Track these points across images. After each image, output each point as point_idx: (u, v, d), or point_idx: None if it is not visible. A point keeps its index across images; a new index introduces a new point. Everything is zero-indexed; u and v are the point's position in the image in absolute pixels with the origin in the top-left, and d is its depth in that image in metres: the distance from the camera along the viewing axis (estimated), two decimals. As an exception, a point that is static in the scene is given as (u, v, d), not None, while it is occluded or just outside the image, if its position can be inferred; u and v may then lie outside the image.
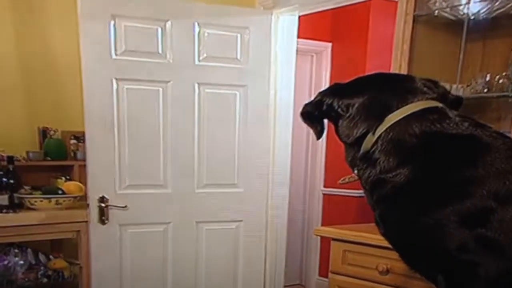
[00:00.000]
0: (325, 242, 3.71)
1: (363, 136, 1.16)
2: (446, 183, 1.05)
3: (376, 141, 1.13)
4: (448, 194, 1.04)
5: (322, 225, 4.03)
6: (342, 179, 2.83)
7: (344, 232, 2.07)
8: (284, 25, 3.04)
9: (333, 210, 4.07)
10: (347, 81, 1.31)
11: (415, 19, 2.17)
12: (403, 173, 1.08)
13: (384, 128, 1.13)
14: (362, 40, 3.72)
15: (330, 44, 4.04)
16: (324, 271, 4.17)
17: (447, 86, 2.16)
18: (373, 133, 1.14)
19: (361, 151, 1.17)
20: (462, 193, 1.03)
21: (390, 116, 1.14)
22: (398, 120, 1.12)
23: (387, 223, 1.16)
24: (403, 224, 1.11)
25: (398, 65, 2.17)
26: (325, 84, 4.05)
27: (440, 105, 1.16)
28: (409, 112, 1.13)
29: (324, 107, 1.25)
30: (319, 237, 3.40)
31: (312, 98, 1.31)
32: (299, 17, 3.09)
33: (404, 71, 2.15)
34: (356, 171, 1.22)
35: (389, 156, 1.11)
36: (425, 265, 1.12)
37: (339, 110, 1.21)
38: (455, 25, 2.16)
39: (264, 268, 3.17)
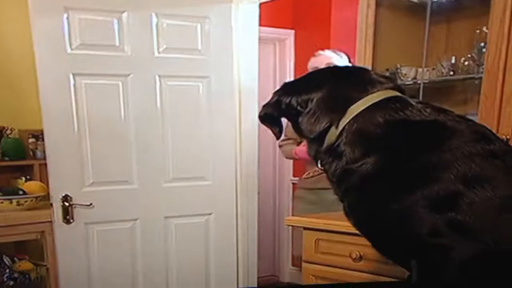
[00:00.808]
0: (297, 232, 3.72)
1: (326, 130, 1.16)
2: (412, 169, 1.05)
3: (340, 134, 1.13)
4: (415, 180, 1.04)
5: (293, 214, 4.03)
6: (306, 173, 2.91)
7: (316, 221, 2.06)
8: (245, 13, 3.00)
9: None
10: (298, 77, 1.31)
11: (378, 3, 2.16)
12: (370, 162, 1.08)
13: (347, 120, 1.12)
14: (325, 26, 3.70)
15: (292, 32, 4.01)
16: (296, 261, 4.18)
17: (413, 70, 2.18)
18: (337, 126, 1.14)
19: (325, 145, 1.16)
20: (429, 178, 1.02)
21: (352, 107, 1.13)
22: (361, 111, 1.12)
23: (356, 213, 1.16)
24: (373, 213, 1.11)
25: (363, 51, 2.17)
26: (289, 72, 4.04)
27: (400, 94, 1.17)
28: (371, 103, 1.12)
29: (283, 106, 1.24)
30: (290, 227, 3.40)
31: (268, 100, 1.30)
32: (260, 4, 3.06)
33: (369, 56, 2.15)
34: (320, 165, 1.22)
35: (354, 147, 1.11)
36: (397, 252, 1.13)
37: (298, 107, 1.21)
38: (418, 8, 2.16)
39: (236, 261, 3.16)
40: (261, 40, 3.17)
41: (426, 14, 2.07)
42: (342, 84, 1.18)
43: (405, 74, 2.19)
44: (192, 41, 2.81)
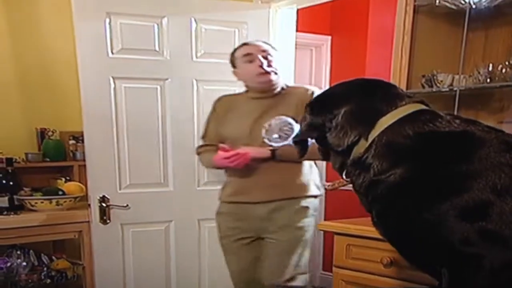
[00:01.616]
0: (329, 236, 3.70)
1: (355, 143, 1.17)
2: (442, 178, 1.06)
3: (370, 146, 1.14)
4: (445, 189, 1.05)
5: (325, 219, 4.02)
6: (329, 184, 2.75)
7: (347, 226, 2.06)
8: (283, 18, 3.02)
9: (336, 204, 4.05)
10: (323, 91, 1.35)
11: (416, 10, 2.14)
12: (398, 172, 1.10)
13: (377, 133, 1.14)
14: (362, 33, 3.68)
15: (329, 38, 4.01)
16: (328, 265, 4.15)
17: (450, 77, 2.16)
18: (366, 139, 1.15)
19: (352, 157, 1.18)
20: (459, 188, 1.04)
21: (382, 120, 1.15)
22: (391, 124, 1.14)
23: (385, 223, 1.17)
24: (402, 222, 1.11)
25: (399, 57, 2.15)
26: (325, 78, 4.03)
27: (428, 107, 1.19)
28: (401, 115, 1.14)
29: (315, 127, 1.27)
30: (322, 232, 3.38)
31: (299, 126, 1.35)
32: (298, 10, 3.07)
33: (405, 63, 2.13)
34: (345, 176, 1.23)
35: (383, 159, 1.12)
36: (427, 261, 1.13)
37: (327, 123, 1.23)
38: (456, 15, 2.13)
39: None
40: (297, 45, 3.18)
41: (464, 21, 2.04)
42: (370, 97, 1.20)
43: (441, 81, 2.16)
44: (229, 46, 2.82)
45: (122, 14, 2.64)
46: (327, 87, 3.92)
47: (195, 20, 2.77)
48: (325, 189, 2.81)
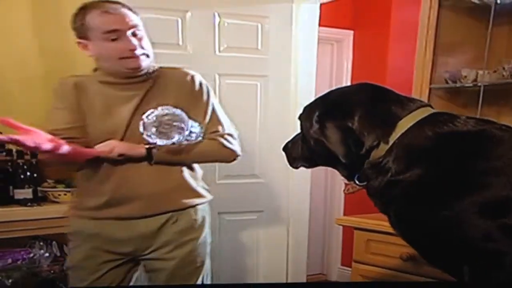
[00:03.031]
0: (347, 231, 3.70)
1: (374, 147, 1.17)
2: (462, 176, 1.07)
3: (390, 149, 1.15)
4: (465, 187, 1.06)
5: (344, 214, 4.02)
6: (347, 189, 2.67)
7: (367, 221, 2.06)
8: (306, 13, 3.01)
9: (355, 199, 4.04)
10: (331, 97, 1.29)
11: (440, 4, 2.13)
12: (417, 172, 1.11)
13: (398, 136, 1.15)
14: (384, 27, 3.66)
15: (351, 32, 3.98)
16: (346, 260, 4.16)
17: (474, 72, 2.14)
18: (386, 142, 1.16)
19: (370, 161, 1.18)
20: (479, 185, 1.04)
21: (401, 122, 1.16)
22: (410, 126, 1.15)
23: (404, 222, 1.17)
24: (422, 221, 1.12)
25: (422, 52, 2.14)
26: (346, 73, 4.01)
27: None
28: (420, 117, 1.16)
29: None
30: (341, 226, 3.39)
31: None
32: (321, 5, 3.07)
33: (429, 58, 2.13)
34: (358, 181, 1.23)
35: (401, 160, 1.13)
36: (447, 259, 1.13)
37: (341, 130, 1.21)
38: (481, 10, 2.11)
39: (286, 258, 3.19)
40: (319, 40, 3.17)
41: (489, 16, 2.02)
42: (383, 101, 1.21)
43: (465, 76, 2.15)
44: (252, 40, 2.87)
45: (146, 8, 2.65)
46: (348, 83, 3.93)
47: (218, 14, 2.79)
48: (344, 193, 2.79)
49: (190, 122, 1.72)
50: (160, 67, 1.90)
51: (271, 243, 3.10)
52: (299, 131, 1.38)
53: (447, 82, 2.20)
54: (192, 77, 1.91)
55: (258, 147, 2.96)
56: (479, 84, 2.10)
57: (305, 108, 1.33)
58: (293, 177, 3.10)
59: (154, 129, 1.63)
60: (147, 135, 1.63)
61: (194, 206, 1.92)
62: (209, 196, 2.01)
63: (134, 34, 1.76)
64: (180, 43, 2.75)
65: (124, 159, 1.78)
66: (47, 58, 2.92)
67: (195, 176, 1.95)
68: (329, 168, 1.35)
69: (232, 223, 3.00)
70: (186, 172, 1.89)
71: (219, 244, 2.98)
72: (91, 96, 1.81)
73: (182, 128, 1.67)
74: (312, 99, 1.35)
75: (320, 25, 3.12)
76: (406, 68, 2.87)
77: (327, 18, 3.41)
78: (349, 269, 3.92)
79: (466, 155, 1.09)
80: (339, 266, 4.36)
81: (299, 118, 1.34)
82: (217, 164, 2.88)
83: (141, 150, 1.78)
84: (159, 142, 1.66)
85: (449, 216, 1.06)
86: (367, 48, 3.86)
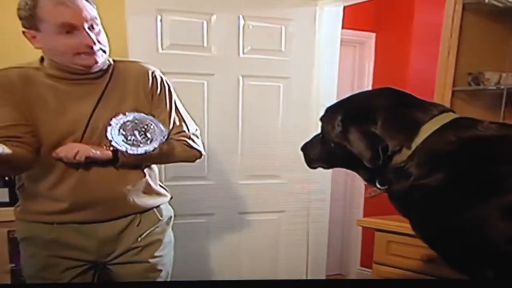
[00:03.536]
0: (367, 232, 3.69)
1: (396, 152, 1.18)
2: (485, 179, 1.08)
3: (413, 154, 1.16)
4: (488, 190, 1.06)
5: (364, 215, 4.01)
6: (367, 192, 2.63)
7: (388, 223, 2.06)
8: (329, 16, 3.02)
9: (375, 200, 4.01)
10: (352, 103, 1.29)
11: (464, 7, 2.12)
12: (440, 177, 1.11)
13: (421, 140, 1.15)
14: (406, 30, 3.63)
15: (373, 34, 3.97)
16: (365, 261, 4.14)
17: (497, 75, 2.13)
18: (409, 147, 1.16)
19: (392, 166, 1.19)
20: (503, 188, 1.04)
21: (425, 127, 1.16)
22: (434, 131, 1.15)
23: (426, 225, 1.18)
24: (445, 224, 1.12)
25: (445, 55, 2.13)
26: (368, 75, 4.00)
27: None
28: (443, 122, 1.16)
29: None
30: (360, 227, 3.39)
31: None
32: (344, 7, 3.07)
33: (452, 60, 2.11)
34: (379, 185, 1.24)
35: (424, 165, 1.14)
36: (470, 262, 1.13)
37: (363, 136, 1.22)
38: (504, 13, 2.10)
39: (306, 258, 3.19)
40: (341, 42, 3.16)
41: (513, 19, 2.01)
42: (405, 106, 1.21)
43: (488, 79, 2.14)
44: (275, 43, 2.88)
45: (172, 11, 2.70)
46: (370, 85, 3.92)
47: (243, 17, 2.81)
48: (366, 197, 2.77)
49: (160, 129, 1.63)
50: (115, 61, 1.74)
51: (291, 243, 3.11)
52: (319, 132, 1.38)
53: (469, 85, 2.19)
54: (152, 73, 1.76)
55: (280, 148, 2.98)
56: (502, 86, 2.09)
57: (327, 110, 1.34)
58: (314, 178, 3.10)
59: (122, 137, 1.55)
60: (115, 143, 1.55)
61: (158, 206, 1.83)
62: (168, 195, 1.90)
63: (91, 28, 1.58)
64: (205, 45, 2.78)
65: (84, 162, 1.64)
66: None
67: (154, 176, 1.85)
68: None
69: (252, 223, 3.02)
70: (146, 172, 1.79)
71: (239, 244, 3.01)
72: (40, 91, 1.62)
73: (153, 138, 1.60)
74: (334, 101, 1.36)
75: (342, 27, 3.13)
76: (428, 71, 2.86)
77: (350, 21, 3.41)
78: (368, 270, 3.93)
79: (489, 160, 1.09)
80: (358, 267, 4.35)
81: (321, 119, 1.35)
82: (239, 164, 2.92)
83: (108, 153, 1.65)
84: (130, 150, 1.56)
85: (472, 220, 1.06)
86: (389, 50, 3.84)
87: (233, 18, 2.80)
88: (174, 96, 1.83)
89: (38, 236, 1.71)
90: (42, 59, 1.66)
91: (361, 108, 1.25)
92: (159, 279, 1.82)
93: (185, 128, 1.83)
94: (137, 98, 1.70)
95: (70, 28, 1.55)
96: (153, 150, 1.62)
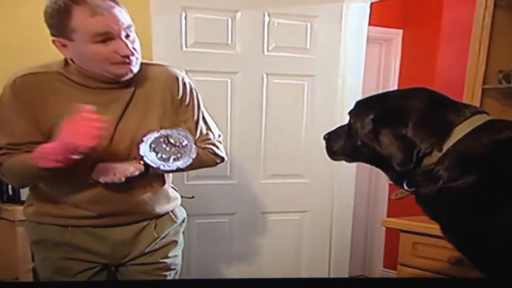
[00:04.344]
0: (390, 233, 3.65)
1: (427, 154, 1.16)
2: None
3: (443, 157, 1.14)
4: None
5: (388, 215, 3.96)
6: (394, 194, 2.59)
7: (414, 224, 2.03)
8: (356, 13, 2.99)
9: (399, 200, 3.96)
10: (386, 103, 1.26)
11: (495, 4, 2.08)
12: (471, 179, 1.10)
13: (452, 143, 1.14)
14: (435, 26, 3.57)
15: (400, 31, 3.92)
16: (388, 262, 4.10)
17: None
18: (440, 149, 1.14)
19: (422, 168, 1.17)
20: None
21: (457, 128, 1.15)
22: (466, 133, 1.13)
23: (457, 228, 1.16)
24: (477, 226, 1.11)
25: (476, 52, 2.10)
26: (394, 73, 3.95)
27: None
28: (476, 124, 1.14)
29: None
30: (384, 228, 3.35)
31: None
32: (371, 4, 3.04)
33: (483, 57, 2.08)
34: (407, 187, 1.22)
35: (455, 168, 1.12)
36: (501, 264, 1.12)
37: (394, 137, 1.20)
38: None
39: (328, 259, 3.18)
40: (367, 39, 3.14)
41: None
42: (438, 107, 1.19)
43: (520, 77, 2.09)
44: (300, 40, 2.86)
45: (197, 9, 2.71)
46: (396, 83, 3.86)
47: (268, 14, 2.81)
48: (392, 199, 2.73)
49: (191, 145, 1.59)
50: (142, 64, 1.63)
51: (314, 243, 3.10)
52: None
53: (500, 83, 2.15)
54: (177, 78, 1.70)
55: (303, 147, 2.96)
56: (534, 85, 2.04)
57: (357, 104, 1.31)
58: (338, 178, 3.09)
59: (154, 153, 1.52)
60: (149, 160, 1.52)
61: (173, 210, 1.81)
62: (179, 197, 1.87)
63: (127, 36, 1.52)
64: (229, 42, 2.78)
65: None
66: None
67: (170, 181, 1.82)
68: (374, 169, 1.34)
69: (275, 223, 3.01)
70: (166, 179, 1.77)
71: (261, 243, 3.00)
72: (62, 102, 1.52)
73: (184, 154, 1.57)
74: (359, 99, 1.33)
75: (369, 24, 3.09)
76: (456, 68, 2.81)
77: (376, 17, 3.37)
78: (391, 271, 3.88)
79: None
80: (381, 268, 4.30)
81: (349, 113, 1.32)
82: (262, 163, 2.91)
83: (140, 167, 1.59)
84: (162, 167, 1.54)
85: (503, 223, 1.05)
86: (416, 47, 3.79)
87: (258, 15, 2.79)
88: (201, 103, 1.79)
89: (51, 239, 1.66)
90: (66, 62, 1.58)
91: (394, 109, 1.22)
92: (169, 278, 1.81)
93: (211, 136, 1.81)
94: (163, 104, 1.66)
95: (106, 38, 1.48)
96: (185, 167, 1.59)
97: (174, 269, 1.83)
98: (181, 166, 1.57)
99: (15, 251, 2.42)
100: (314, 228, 3.09)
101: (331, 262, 3.19)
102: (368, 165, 1.36)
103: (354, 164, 3.12)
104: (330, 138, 1.39)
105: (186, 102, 1.73)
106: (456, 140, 1.13)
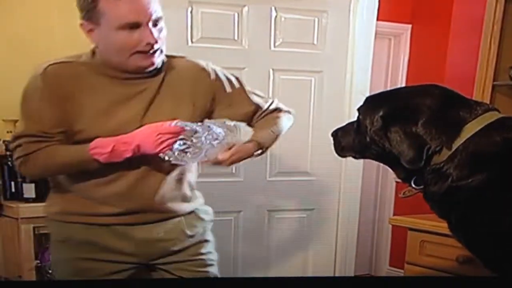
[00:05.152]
0: (397, 231, 3.62)
1: (436, 152, 1.15)
2: None
3: (453, 155, 1.12)
4: None
5: (394, 213, 3.94)
6: (402, 192, 2.56)
7: (422, 222, 2.03)
8: (364, 8, 2.96)
9: (406, 199, 3.92)
10: (395, 100, 1.24)
11: (507, -1, 2.07)
12: (481, 178, 1.09)
13: (463, 141, 1.12)
14: (444, 21, 3.54)
15: (409, 26, 3.88)
16: (394, 261, 4.08)
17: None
18: (450, 147, 1.13)
19: (431, 166, 1.16)
20: None
21: (467, 126, 1.13)
22: (477, 131, 1.12)
23: (467, 228, 1.15)
24: (487, 225, 1.10)
25: (487, 47, 2.08)
26: (402, 69, 3.92)
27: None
28: (487, 122, 1.13)
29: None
30: (390, 226, 3.34)
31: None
32: (380, -1, 3.02)
33: (493, 53, 2.07)
34: (414, 185, 1.21)
35: (465, 166, 1.11)
36: (509, 264, 1.11)
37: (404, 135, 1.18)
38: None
39: (334, 257, 3.17)
40: (376, 34, 3.11)
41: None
42: (449, 105, 1.18)
43: (532, 74, 2.06)
44: (308, 35, 2.84)
45: (203, 3, 2.69)
46: (404, 79, 3.83)
47: (275, 8, 2.79)
48: (401, 197, 2.71)
49: (213, 129, 1.54)
50: (168, 57, 1.63)
51: (320, 241, 3.09)
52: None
53: (511, 79, 2.13)
54: (204, 69, 1.68)
55: (311, 144, 2.95)
56: (546, 81, 2.01)
57: (367, 101, 1.30)
58: (344, 176, 3.07)
59: (183, 154, 1.49)
60: (177, 160, 1.50)
61: (198, 208, 1.78)
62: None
63: (154, 25, 1.50)
64: (236, 38, 2.76)
65: (138, 162, 1.55)
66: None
67: (195, 178, 1.79)
68: (381, 167, 1.33)
69: (281, 220, 3.00)
70: (192, 175, 1.74)
71: (267, 241, 2.99)
72: (89, 93, 1.53)
73: (212, 138, 1.52)
74: (366, 95, 1.31)
75: (377, 19, 3.06)
76: (465, 64, 2.78)
77: (385, 12, 3.34)
78: (397, 269, 3.85)
79: None
80: (388, 267, 4.28)
81: (359, 110, 1.30)
82: (269, 160, 2.89)
83: (251, 147, 1.65)
84: (188, 159, 1.51)
85: None
86: (425, 43, 3.75)
87: (265, 9, 2.77)
88: (237, 80, 1.75)
89: (76, 239, 1.61)
90: (93, 53, 1.57)
91: (404, 106, 1.21)
92: (210, 274, 1.76)
93: (269, 103, 1.80)
94: (195, 100, 1.61)
95: (133, 25, 1.45)
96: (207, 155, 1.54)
97: (212, 264, 1.77)
98: (204, 155, 1.53)
99: (18, 248, 2.42)
100: (320, 226, 3.07)
101: (337, 261, 3.18)
102: (375, 163, 1.36)
103: (361, 161, 3.11)
104: (338, 134, 1.39)
105: (225, 91, 1.69)
106: (466, 138, 1.12)
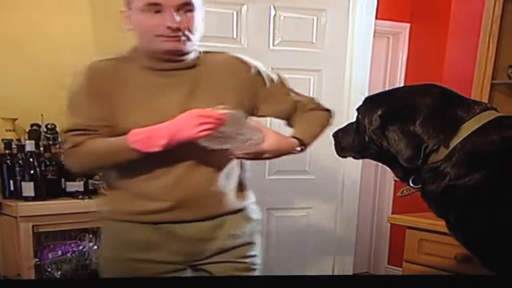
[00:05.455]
0: (395, 229, 3.63)
1: (433, 151, 1.15)
2: None
3: (451, 153, 1.13)
4: None
5: (393, 212, 3.95)
6: (400, 191, 2.56)
7: (420, 221, 2.03)
8: (363, 7, 2.97)
9: (404, 197, 3.93)
10: (393, 100, 1.25)
11: (505, -3, 2.07)
12: (479, 177, 1.09)
13: (460, 140, 1.12)
14: (443, 20, 3.54)
15: (408, 25, 3.89)
16: (393, 259, 4.09)
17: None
18: (447, 146, 1.13)
19: (428, 165, 1.16)
20: None
21: (465, 125, 1.13)
22: (475, 130, 1.12)
23: (465, 227, 1.15)
24: (485, 224, 1.10)
25: (486, 46, 2.09)
26: (401, 67, 3.93)
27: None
28: (485, 121, 1.13)
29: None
30: (389, 224, 3.34)
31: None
32: (378, -3, 3.03)
33: (492, 51, 2.07)
34: (412, 184, 1.22)
35: (462, 165, 1.11)
36: (507, 262, 1.11)
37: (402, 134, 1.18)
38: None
39: (333, 256, 3.18)
40: (374, 33, 3.13)
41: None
42: (448, 104, 1.18)
43: (530, 73, 2.07)
44: (307, 34, 2.85)
45: (204, 2, 2.69)
46: (403, 77, 3.84)
47: (274, 7, 2.79)
48: (399, 196, 2.72)
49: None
50: (203, 52, 1.63)
51: (319, 240, 3.10)
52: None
53: (509, 77, 2.14)
54: (245, 63, 1.69)
55: (309, 143, 2.95)
56: (544, 80, 2.02)
57: (366, 101, 1.30)
58: (343, 174, 3.08)
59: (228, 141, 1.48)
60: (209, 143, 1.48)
61: (248, 207, 1.74)
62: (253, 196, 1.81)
63: (182, 12, 1.49)
64: (235, 36, 2.77)
65: (184, 156, 1.53)
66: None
67: (246, 176, 1.75)
68: (379, 166, 1.33)
69: (280, 219, 3.01)
70: (241, 170, 1.71)
71: (266, 240, 2.99)
72: (129, 86, 1.55)
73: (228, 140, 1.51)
74: (365, 93, 1.32)
75: (376, 18, 3.08)
76: (464, 63, 2.78)
77: (383, 11, 3.35)
78: (396, 268, 3.86)
79: None
80: (386, 265, 4.30)
81: (358, 109, 1.31)
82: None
83: (291, 141, 1.67)
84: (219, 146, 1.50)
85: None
86: (424, 41, 3.76)
87: (264, 8, 2.78)
88: (278, 76, 1.76)
89: (125, 238, 1.60)
90: (134, 49, 1.59)
91: (403, 105, 1.21)
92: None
93: (310, 100, 1.79)
94: (236, 93, 1.59)
95: (157, 8, 1.46)
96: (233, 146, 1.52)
97: (254, 269, 1.74)
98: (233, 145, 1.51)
99: (17, 247, 2.42)
100: (319, 225, 3.08)
101: (336, 259, 3.19)
102: (374, 162, 1.36)
103: (360, 160, 3.10)
104: (338, 135, 1.40)
105: (266, 86, 1.69)
106: (464, 137, 1.12)
